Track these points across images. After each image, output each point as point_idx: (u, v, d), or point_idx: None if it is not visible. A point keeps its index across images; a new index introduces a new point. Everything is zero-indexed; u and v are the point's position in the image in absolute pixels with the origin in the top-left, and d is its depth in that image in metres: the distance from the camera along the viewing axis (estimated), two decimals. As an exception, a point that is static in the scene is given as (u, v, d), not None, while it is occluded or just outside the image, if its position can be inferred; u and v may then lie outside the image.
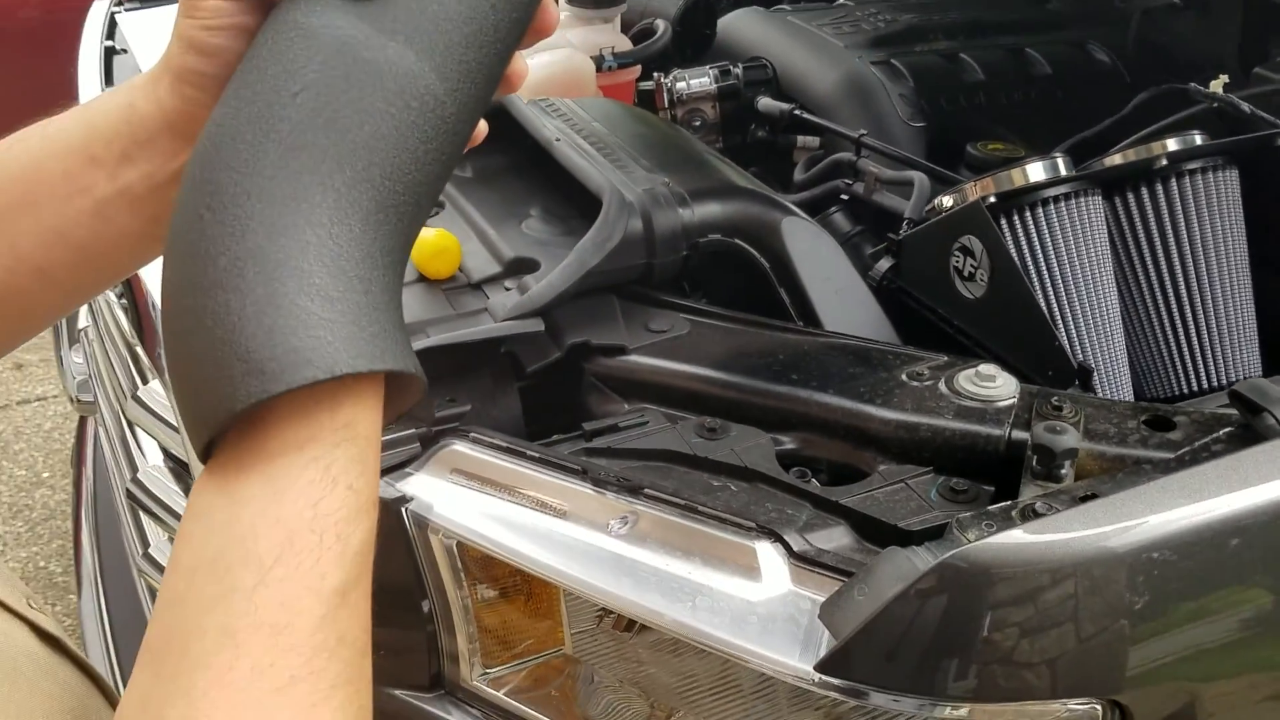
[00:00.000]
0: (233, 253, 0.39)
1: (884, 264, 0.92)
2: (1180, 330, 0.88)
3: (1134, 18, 1.29)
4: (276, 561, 0.36)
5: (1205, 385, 0.88)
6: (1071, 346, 0.83)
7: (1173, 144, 0.88)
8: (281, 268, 0.39)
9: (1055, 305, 0.83)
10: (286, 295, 0.38)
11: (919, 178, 1.11)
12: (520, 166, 0.98)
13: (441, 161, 0.45)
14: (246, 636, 0.36)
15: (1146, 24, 1.28)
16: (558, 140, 0.90)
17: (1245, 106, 0.93)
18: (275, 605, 0.36)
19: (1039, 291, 0.83)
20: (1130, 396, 0.87)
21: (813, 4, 1.61)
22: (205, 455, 0.39)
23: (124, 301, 1.10)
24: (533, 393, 0.81)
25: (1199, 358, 0.88)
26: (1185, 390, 0.88)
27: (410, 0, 0.44)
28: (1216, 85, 1.05)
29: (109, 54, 1.32)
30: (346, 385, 0.39)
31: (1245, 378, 0.88)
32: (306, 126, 0.41)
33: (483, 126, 0.49)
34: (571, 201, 0.91)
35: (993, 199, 0.82)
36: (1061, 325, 0.83)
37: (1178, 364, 0.88)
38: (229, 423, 0.38)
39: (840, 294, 0.86)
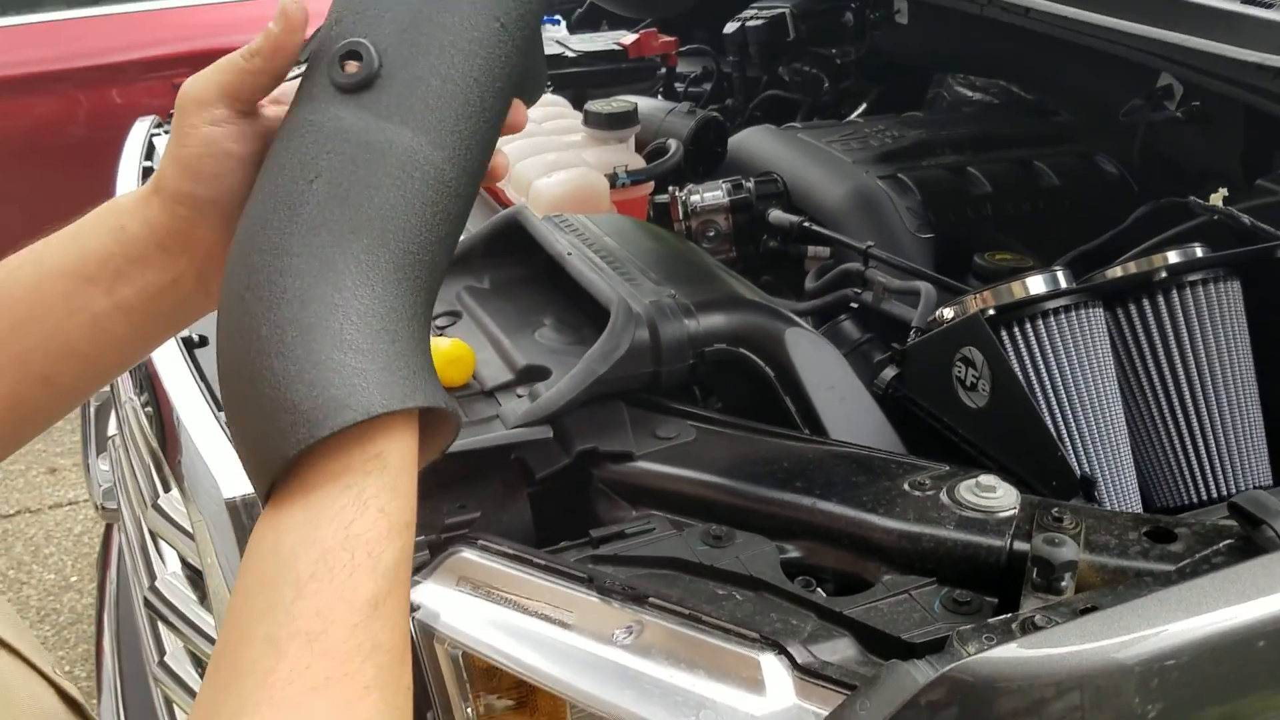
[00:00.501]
0: (273, 323, 0.45)
1: (889, 372, 0.94)
2: (1188, 440, 0.88)
3: (1139, 131, 1.33)
4: (311, 577, 0.41)
5: (1215, 495, 0.88)
6: (1076, 456, 0.84)
7: (1173, 256, 0.89)
8: (315, 330, 0.45)
9: (1059, 415, 0.84)
10: (323, 353, 0.44)
11: (925, 288, 1.13)
12: (535, 279, 1.01)
13: (449, 220, 0.51)
14: (286, 643, 0.40)
15: (1151, 137, 1.31)
16: (570, 254, 0.93)
17: (1246, 219, 0.94)
18: (311, 615, 0.40)
19: (1042, 402, 0.84)
20: (1138, 506, 0.87)
21: (822, 122, 1.66)
22: (265, 499, 0.45)
23: (149, 409, 1.13)
24: (542, 499, 0.82)
25: (1207, 468, 0.88)
26: (1195, 500, 0.88)
27: (401, 84, 0.50)
28: (1216, 198, 1.07)
29: (146, 174, 1.38)
30: (378, 423, 0.44)
31: (1256, 487, 0.88)
32: (324, 207, 0.47)
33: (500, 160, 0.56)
34: (583, 312, 0.94)
35: (992, 311, 0.84)
36: (1065, 435, 0.84)
37: (1186, 474, 0.88)
38: (283, 469, 0.44)
39: (844, 402, 0.87)
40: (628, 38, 1.87)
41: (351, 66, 0.50)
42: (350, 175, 0.48)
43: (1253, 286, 0.91)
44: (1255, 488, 0.88)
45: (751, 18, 1.93)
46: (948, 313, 0.89)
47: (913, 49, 1.72)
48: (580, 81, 1.80)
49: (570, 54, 1.81)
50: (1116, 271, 0.89)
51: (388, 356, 0.46)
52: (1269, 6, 1.15)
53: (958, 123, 1.56)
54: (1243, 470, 0.88)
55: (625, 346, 0.82)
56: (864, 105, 1.84)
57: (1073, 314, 0.85)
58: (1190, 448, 0.88)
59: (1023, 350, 0.85)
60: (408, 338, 0.47)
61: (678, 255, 1.03)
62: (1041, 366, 0.85)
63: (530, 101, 0.59)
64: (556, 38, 1.91)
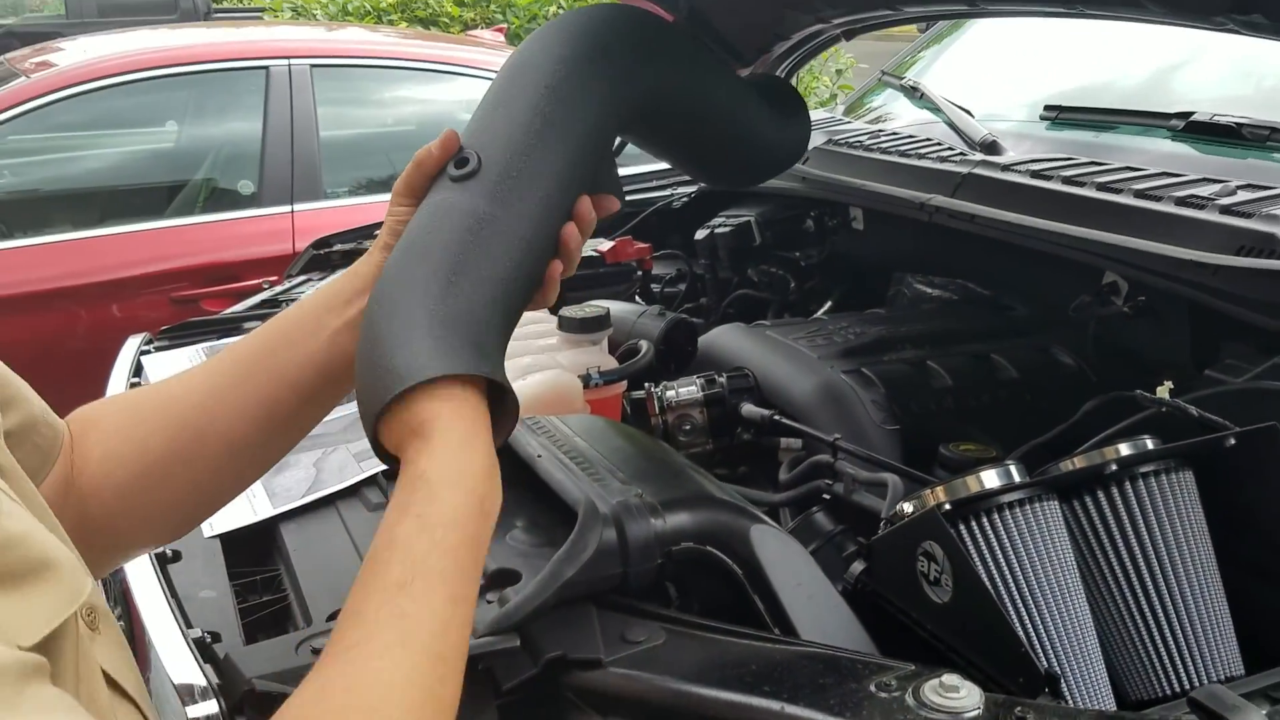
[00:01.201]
0: (386, 321, 0.72)
1: (857, 566, 0.95)
2: (1154, 631, 0.88)
3: (1089, 325, 1.38)
4: (364, 571, 0.62)
5: (1188, 685, 0.88)
6: (1042, 650, 0.84)
7: (1124, 449, 0.92)
8: (404, 329, 0.71)
9: (1022, 609, 0.85)
10: (405, 337, 0.70)
11: (892, 479, 1.15)
12: (507, 482, 1.02)
13: (508, 260, 0.79)
14: (342, 621, 0.60)
15: (1102, 330, 1.37)
16: (539, 456, 0.96)
17: (1193, 411, 0.98)
18: (354, 598, 0.61)
19: (1004, 595, 0.85)
20: (1109, 699, 0.86)
21: (789, 319, 1.73)
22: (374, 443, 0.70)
23: (122, 623, 1.12)
24: (510, 710, 0.81)
25: (1175, 658, 0.88)
26: (1168, 691, 0.88)
27: (488, 178, 0.81)
28: (1163, 390, 1.11)
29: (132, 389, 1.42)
30: (428, 390, 0.67)
31: (1226, 676, 0.88)
32: (415, 250, 0.77)
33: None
34: (554, 514, 0.95)
35: (948, 506, 0.86)
36: (1030, 629, 0.84)
37: (1156, 665, 0.88)
38: (375, 422, 0.68)
39: (812, 600, 0.87)
40: (604, 245, 1.96)
41: (461, 166, 0.81)
42: (431, 232, 0.78)
43: (1206, 477, 0.94)
44: (1226, 678, 0.88)
45: (720, 225, 2.03)
46: (907, 507, 0.91)
47: (870, 252, 1.81)
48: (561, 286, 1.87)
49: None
50: (1069, 465, 0.92)
51: (450, 342, 0.70)
52: (1201, 208, 1.23)
53: (917, 319, 1.63)
54: (1212, 660, 0.88)
55: (592, 548, 0.84)
56: (829, 303, 1.91)
57: (1028, 507, 0.87)
58: (1157, 638, 0.88)
59: (981, 544, 0.86)
60: (490, 337, 0.74)
61: (646, 454, 1.06)
62: (1001, 560, 0.86)
63: (600, 205, 0.88)
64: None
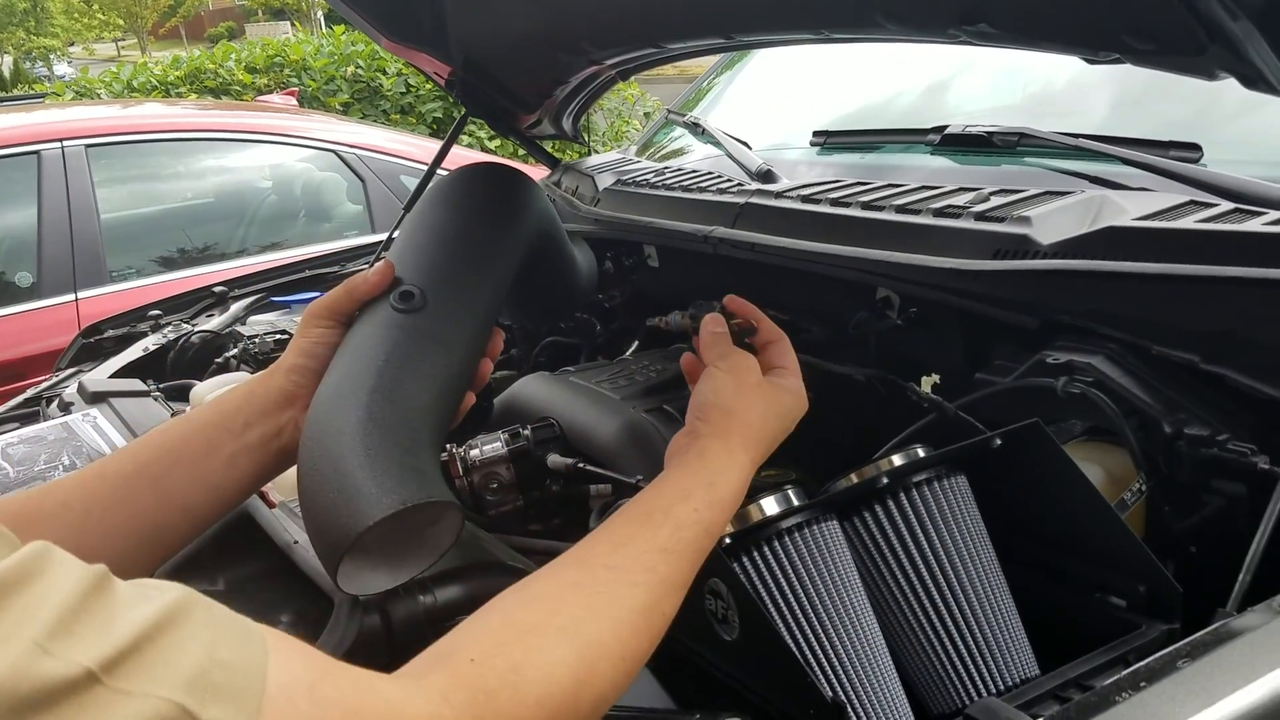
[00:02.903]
0: (336, 460, 0.76)
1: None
2: (946, 641, 0.88)
3: (870, 341, 1.40)
4: (630, 513, 0.76)
5: (985, 692, 0.87)
6: (834, 676, 0.82)
7: (895, 459, 0.92)
8: (355, 467, 0.75)
9: (810, 636, 0.83)
10: (357, 476, 0.75)
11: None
12: (272, 573, 0.95)
13: (444, 390, 0.89)
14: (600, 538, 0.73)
15: (883, 344, 1.39)
16: (295, 543, 0.89)
17: (949, 408, 0.99)
18: (615, 530, 0.74)
19: (792, 623, 0.83)
20: (908, 717, 0.85)
21: (592, 363, 1.70)
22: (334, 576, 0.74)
23: None
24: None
25: (971, 667, 0.87)
26: (968, 701, 0.87)
27: (433, 305, 0.91)
28: (928, 383, 1.13)
29: None
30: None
31: (1023, 679, 0.88)
32: (353, 379, 0.82)
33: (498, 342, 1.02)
34: (321, 604, 0.88)
35: (728, 540, 0.83)
36: (821, 656, 0.82)
37: (953, 676, 0.88)
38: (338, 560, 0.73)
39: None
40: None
41: (405, 300, 0.89)
42: (388, 359, 0.84)
43: (980, 480, 0.94)
44: (1022, 680, 0.88)
45: (520, 273, 2.00)
46: (691, 547, 0.88)
47: (668, 287, 1.81)
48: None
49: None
50: (843, 483, 0.91)
51: (392, 475, 0.74)
52: (958, 217, 1.27)
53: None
54: (1007, 664, 0.88)
55: (352, 638, 0.77)
56: (636, 343, 1.89)
57: (807, 530, 0.86)
58: (949, 649, 0.88)
59: (765, 574, 0.84)
60: (410, 457, 0.77)
61: None
62: (785, 587, 0.84)
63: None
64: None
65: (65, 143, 3.13)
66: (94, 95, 5.90)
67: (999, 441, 0.92)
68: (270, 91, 5.34)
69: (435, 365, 0.87)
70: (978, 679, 0.87)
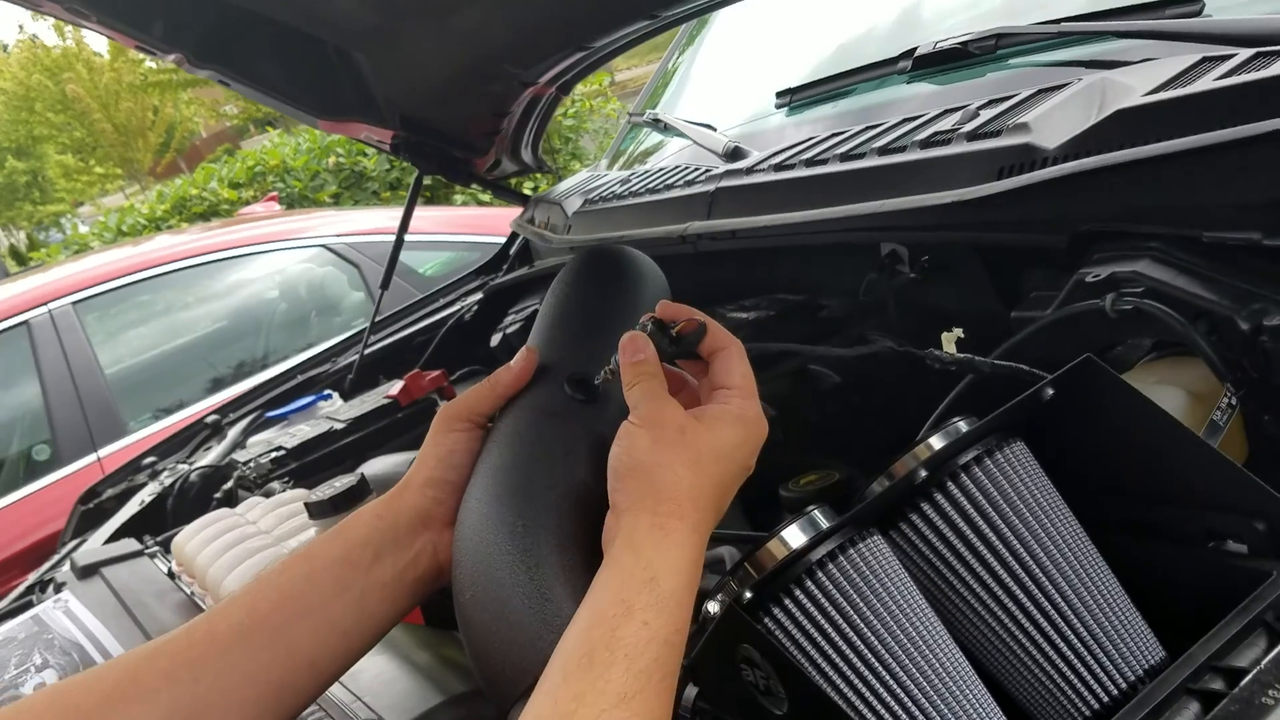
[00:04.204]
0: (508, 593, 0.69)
1: (690, 692, 0.76)
2: (1046, 646, 0.72)
3: (889, 303, 1.25)
4: (572, 660, 0.59)
5: (1111, 693, 0.71)
6: (921, 713, 0.67)
7: (936, 441, 0.77)
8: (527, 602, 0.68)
9: (878, 686, 0.67)
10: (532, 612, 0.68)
11: (727, 553, 0.98)
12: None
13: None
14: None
15: (903, 301, 1.24)
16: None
17: (983, 363, 0.83)
18: (566, 694, 0.57)
19: (851, 676, 0.68)
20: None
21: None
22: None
23: None
24: None
25: (1083, 669, 0.71)
26: (1095, 708, 0.71)
27: (608, 393, 0.80)
28: (950, 340, 0.97)
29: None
30: None
31: (1148, 669, 0.72)
32: (518, 487, 0.74)
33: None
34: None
35: (749, 594, 0.69)
36: (895, 707, 0.67)
37: (1065, 686, 0.72)
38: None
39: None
40: (396, 386, 1.77)
41: (579, 388, 0.78)
42: (565, 459, 0.75)
43: (1041, 440, 0.78)
44: (1147, 670, 0.72)
45: (510, 323, 1.87)
46: (712, 606, 0.73)
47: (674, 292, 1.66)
48: (358, 448, 1.68)
49: (339, 425, 1.69)
50: (876, 486, 0.75)
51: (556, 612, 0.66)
52: (947, 143, 1.11)
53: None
54: (1125, 653, 0.72)
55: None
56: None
57: (843, 557, 0.70)
58: (1053, 653, 0.72)
59: (804, 622, 0.69)
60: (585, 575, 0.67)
61: (404, 663, 0.87)
62: (833, 633, 0.68)
63: None
64: (326, 412, 1.81)
65: (51, 305, 3.08)
66: (88, 248, 5.93)
67: (1050, 391, 0.76)
68: (256, 201, 5.32)
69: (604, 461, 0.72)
70: (1093, 684, 0.71)
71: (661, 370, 0.75)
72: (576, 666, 0.56)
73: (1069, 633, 0.72)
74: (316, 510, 1.05)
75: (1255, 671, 0.54)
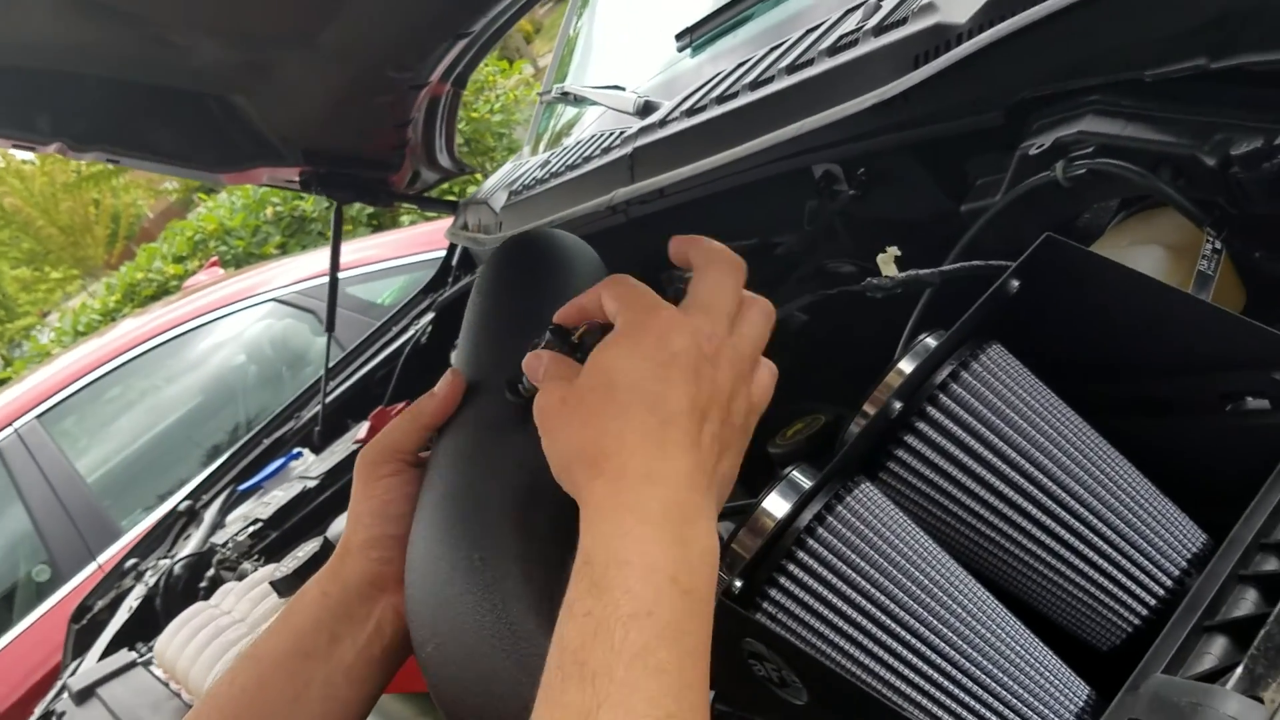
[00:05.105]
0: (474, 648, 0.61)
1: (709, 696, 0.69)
2: (1075, 559, 0.65)
3: (837, 226, 1.17)
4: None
5: (1161, 592, 0.64)
6: (953, 688, 0.60)
7: (905, 366, 0.69)
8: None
9: (902, 649, 0.60)
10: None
11: (724, 528, 0.91)
12: None
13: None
14: None
15: (853, 224, 1.16)
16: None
17: (931, 275, 0.76)
18: None
19: (869, 644, 0.61)
20: (1073, 684, 0.62)
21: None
22: None
23: None
24: None
25: (1122, 574, 0.64)
26: (1142, 615, 0.64)
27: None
28: (886, 259, 0.89)
29: None
30: None
31: (1193, 556, 0.65)
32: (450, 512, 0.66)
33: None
34: None
35: (739, 584, 0.61)
36: (925, 668, 0.60)
37: (1106, 593, 0.64)
38: None
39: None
40: (363, 430, 1.70)
41: (516, 390, 0.66)
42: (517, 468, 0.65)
43: (1016, 335, 0.71)
44: (1193, 558, 0.65)
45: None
46: (706, 605, 0.66)
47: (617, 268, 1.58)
48: (336, 502, 1.61)
49: (313, 483, 1.62)
50: (854, 429, 0.68)
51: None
52: (855, 44, 1.03)
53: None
54: (1163, 546, 0.65)
55: None
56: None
57: (833, 517, 0.63)
58: (1085, 564, 0.65)
59: (806, 597, 0.62)
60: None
61: None
62: (839, 603, 0.61)
63: None
64: (298, 473, 1.73)
65: (18, 424, 3.00)
66: (45, 355, 5.83)
67: (1016, 282, 0.69)
68: (199, 269, 5.21)
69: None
70: (1136, 589, 0.64)
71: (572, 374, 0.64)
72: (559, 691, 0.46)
73: (1098, 538, 0.65)
74: (284, 587, 0.98)
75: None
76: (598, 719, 0.43)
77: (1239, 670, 0.44)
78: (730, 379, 0.58)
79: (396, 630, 0.67)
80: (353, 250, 3.85)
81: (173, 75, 1.45)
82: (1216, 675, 0.48)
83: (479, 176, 2.58)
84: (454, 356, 0.80)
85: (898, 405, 0.66)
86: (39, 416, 3.04)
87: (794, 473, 0.67)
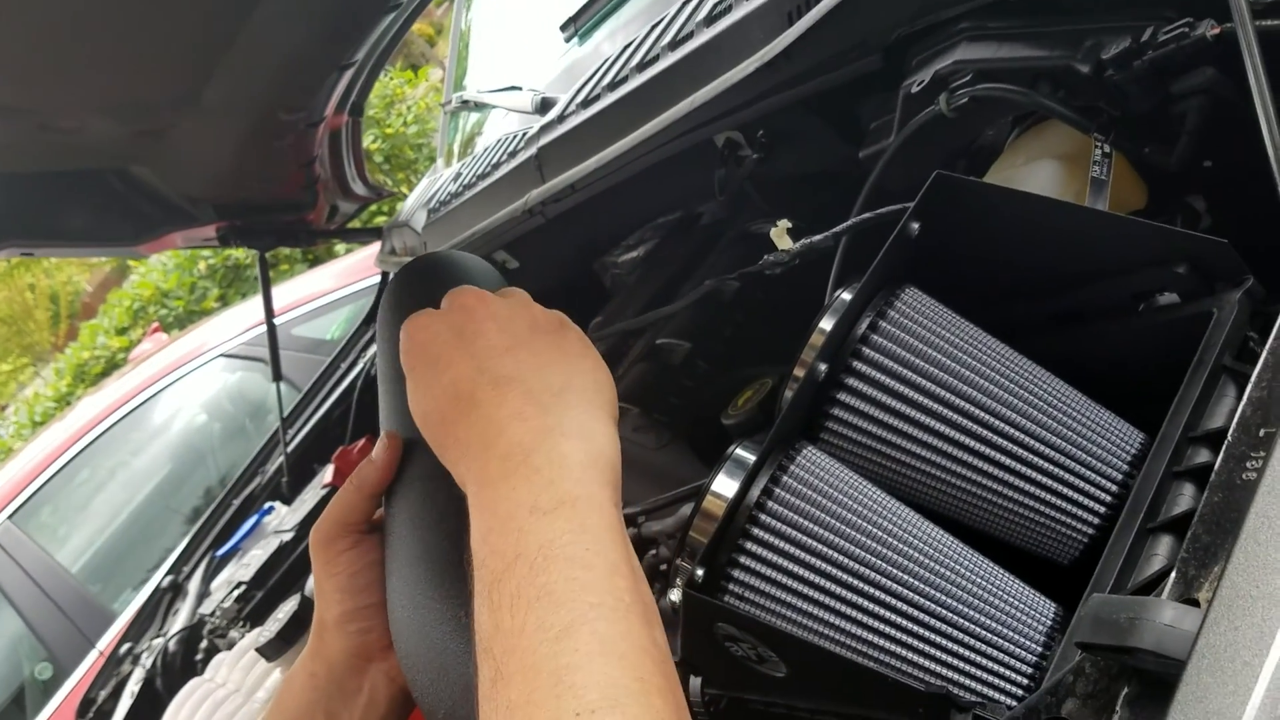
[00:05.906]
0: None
1: (694, 684, 0.71)
2: (1020, 481, 0.66)
3: (749, 190, 1.18)
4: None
5: (1108, 499, 0.66)
6: (924, 633, 0.61)
7: (825, 324, 0.70)
8: None
9: (873, 605, 0.62)
10: None
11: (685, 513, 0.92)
12: None
13: None
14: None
15: (763, 185, 1.17)
16: None
17: (824, 240, 0.77)
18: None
19: (841, 606, 0.62)
20: (1041, 607, 0.64)
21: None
22: None
23: None
24: None
25: (1067, 488, 0.66)
26: (1096, 524, 0.66)
27: None
28: (779, 233, 0.90)
29: None
30: None
31: (1133, 456, 0.66)
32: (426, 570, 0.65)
33: None
34: None
35: (700, 573, 0.62)
36: (898, 620, 0.61)
37: (1057, 509, 0.66)
38: None
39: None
40: (329, 473, 1.69)
41: None
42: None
43: (927, 274, 0.72)
44: (1133, 458, 0.67)
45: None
46: (674, 595, 0.68)
47: (547, 277, 1.58)
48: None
49: (288, 535, 1.61)
50: (788, 394, 0.69)
51: None
52: (729, 10, 1.04)
53: (627, 302, 1.40)
54: (1102, 454, 0.66)
55: None
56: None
57: (781, 489, 0.64)
58: (1029, 484, 0.66)
59: (770, 572, 0.63)
60: None
61: None
62: (803, 572, 0.62)
63: None
64: (274, 528, 1.73)
65: (-7, 528, 2.97)
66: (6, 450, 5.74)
67: (916, 224, 0.70)
68: (141, 340, 5.15)
69: None
70: (1084, 500, 0.66)
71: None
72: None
73: (1038, 457, 0.66)
74: (270, 651, 0.98)
75: (1230, 436, 0.49)
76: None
77: (1172, 576, 0.45)
78: (459, 323, 0.62)
79: (390, 695, 0.68)
80: (290, 291, 3.81)
81: (69, 158, 1.43)
82: (1164, 576, 0.49)
83: (405, 190, 2.56)
84: (381, 416, 0.77)
85: (823, 367, 0.67)
86: (10, 517, 3.00)
87: (737, 450, 0.68)
